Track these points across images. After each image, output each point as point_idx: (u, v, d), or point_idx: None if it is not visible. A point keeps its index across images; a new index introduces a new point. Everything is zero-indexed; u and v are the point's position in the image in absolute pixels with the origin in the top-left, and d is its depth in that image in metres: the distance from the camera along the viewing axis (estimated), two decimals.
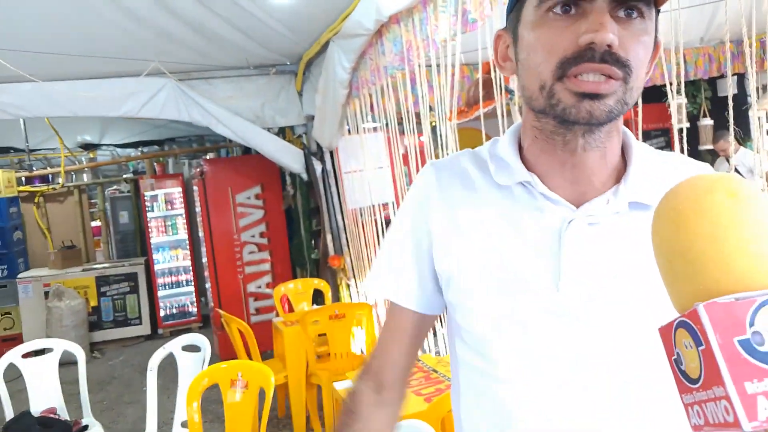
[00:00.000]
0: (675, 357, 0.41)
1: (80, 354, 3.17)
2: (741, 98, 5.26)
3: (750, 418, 0.36)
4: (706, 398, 0.38)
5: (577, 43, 0.67)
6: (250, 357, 3.78)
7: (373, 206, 4.15)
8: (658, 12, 0.72)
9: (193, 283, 6.99)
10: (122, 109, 4.41)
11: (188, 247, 6.99)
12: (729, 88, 2.15)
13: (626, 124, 0.86)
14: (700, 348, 0.37)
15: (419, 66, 2.79)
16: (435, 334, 3.32)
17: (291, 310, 4.60)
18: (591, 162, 0.76)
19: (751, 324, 0.36)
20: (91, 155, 8.11)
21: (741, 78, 5.62)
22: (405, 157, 3.53)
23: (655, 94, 4.25)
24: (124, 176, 7.92)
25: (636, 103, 1.98)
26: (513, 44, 0.78)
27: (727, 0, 1.83)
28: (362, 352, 3.88)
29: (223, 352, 5.38)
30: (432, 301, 0.88)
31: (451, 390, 0.92)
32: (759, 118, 5.19)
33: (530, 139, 0.80)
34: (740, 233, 0.41)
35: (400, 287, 0.88)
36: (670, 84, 2.00)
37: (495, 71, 2.41)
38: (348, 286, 4.84)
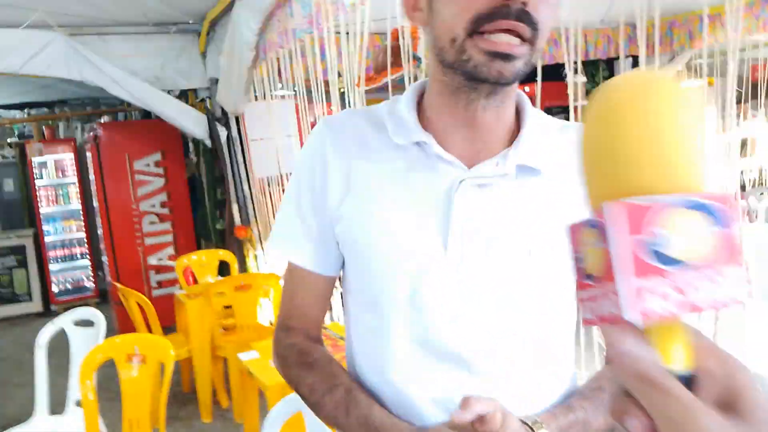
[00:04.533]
0: (577, 255, 0.41)
1: None
2: None
3: (632, 309, 0.36)
4: (600, 294, 0.39)
5: (493, 0, 0.67)
6: (151, 332, 3.62)
7: (282, 175, 4.05)
8: None
9: (88, 257, 6.57)
10: (1, 65, 4.00)
11: (82, 217, 6.54)
12: (622, 68, 2.26)
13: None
14: (602, 245, 0.38)
15: (328, 30, 2.71)
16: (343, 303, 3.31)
17: (195, 282, 4.44)
18: (488, 122, 0.78)
19: (657, 225, 0.36)
20: None
21: (635, 60, 5.96)
22: (314, 126, 3.45)
23: (556, 73, 4.39)
24: (9, 140, 7.26)
25: (535, 80, 2.02)
26: None
27: None
28: (270, 323, 3.82)
29: (123, 328, 5.12)
30: (338, 263, 0.88)
31: (345, 344, 0.92)
32: None
33: (434, 94, 0.80)
34: (672, 137, 0.39)
35: (306, 254, 0.87)
36: (572, 63, 2.05)
37: (403, 38, 2.38)
38: (256, 257, 4.73)
